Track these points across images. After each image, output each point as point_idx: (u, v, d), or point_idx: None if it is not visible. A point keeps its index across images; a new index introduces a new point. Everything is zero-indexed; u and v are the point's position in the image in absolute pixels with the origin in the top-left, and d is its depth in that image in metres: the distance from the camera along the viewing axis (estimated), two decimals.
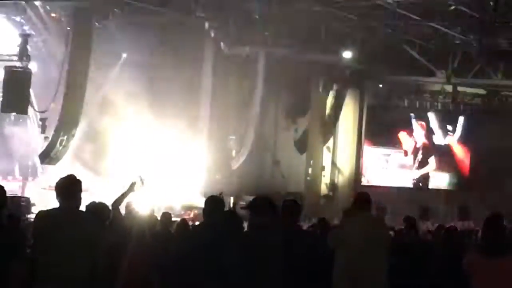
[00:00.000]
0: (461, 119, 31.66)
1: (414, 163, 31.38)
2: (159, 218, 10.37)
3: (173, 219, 11.30)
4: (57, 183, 6.29)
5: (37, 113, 22.41)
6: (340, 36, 26.69)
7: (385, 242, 8.22)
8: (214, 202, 6.75)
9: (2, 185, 6.59)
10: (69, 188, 6.25)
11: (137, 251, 7.00)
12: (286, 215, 7.58)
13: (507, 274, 6.23)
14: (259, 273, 6.54)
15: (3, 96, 21.03)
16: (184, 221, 11.49)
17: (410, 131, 31.19)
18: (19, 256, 6.46)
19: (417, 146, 31.37)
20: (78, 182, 6.31)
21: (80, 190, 6.32)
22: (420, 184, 31.54)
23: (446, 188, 31.80)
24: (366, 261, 7.86)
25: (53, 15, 23.47)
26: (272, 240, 6.68)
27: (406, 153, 31.24)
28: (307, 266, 7.57)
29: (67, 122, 21.56)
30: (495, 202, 23.03)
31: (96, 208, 8.01)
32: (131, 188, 8.99)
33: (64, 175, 6.42)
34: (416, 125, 31.22)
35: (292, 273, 7.09)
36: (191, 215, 22.74)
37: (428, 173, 31.54)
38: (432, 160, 31.49)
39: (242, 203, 27.44)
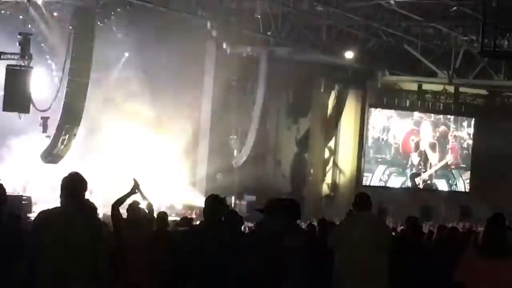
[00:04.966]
0: (463, 119, 31.75)
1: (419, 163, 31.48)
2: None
3: (170, 218, 11.21)
4: (62, 181, 6.22)
5: (39, 112, 22.37)
6: (342, 37, 26.68)
7: (386, 242, 8.20)
8: (214, 201, 6.72)
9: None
10: (74, 186, 6.18)
11: (138, 251, 7.00)
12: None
13: (507, 277, 5.98)
14: (279, 275, 6.53)
15: (4, 95, 21.01)
16: (188, 220, 11.46)
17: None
18: (20, 255, 6.44)
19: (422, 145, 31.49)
20: (83, 181, 6.21)
21: (85, 189, 6.27)
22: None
23: (448, 188, 31.85)
24: (366, 261, 7.84)
25: (55, 14, 23.49)
26: (294, 243, 6.65)
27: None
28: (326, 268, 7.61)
29: (68, 121, 21.55)
30: (497, 203, 23.02)
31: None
32: (133, 190, 8.94)
33: (68, 172, 6.33)
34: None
35: (310, 275, 7.09)
36: (193, 214, 22.73)
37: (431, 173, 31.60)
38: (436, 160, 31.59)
39: (244, 202, 27.58)
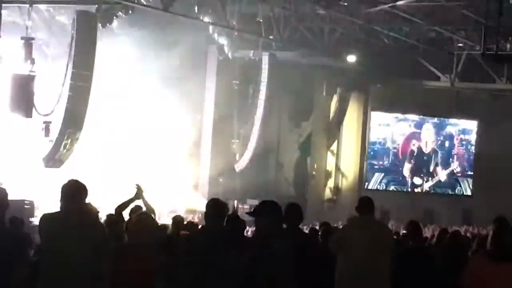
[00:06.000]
0: (466, 123, 31.72)
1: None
2: (161, 222, 10.33)
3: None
4: (62, 187, 6.29)
5: (41, 116, 22.38)
6: (343, 40, 26.69)
7: (388, 245, 8.19)
8: (216, 205, 6.72)
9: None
10: (73, 192, 6.26)
11: (140, 254, 6.99)
12: (290, 218, 7.56)
13: None
14: (269, 279, 6.51)
15: (7, 100, 21.03)
16: (194, 225, 11.45)
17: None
18: (22, 258, 6.47)
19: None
20: (84, 188, 6.32)
21: (85, 195, 6.34)
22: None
23: (450, 192, 31.79)
24: (368, 264, 7.83)
25: (57, 18, 23.51)
26: (282, 245, 6.63)
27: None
28: (319, 270, 7.57)
29: (71, 126, 21.53)
30: (500, 206, 22.97)
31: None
32: (136, 196, 8.94)
33: (69, 179, 6.40)
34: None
35: (303, 278, 7.06)
36: (195, 219, 22.73)
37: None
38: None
39: (246, 206, 27.56)
